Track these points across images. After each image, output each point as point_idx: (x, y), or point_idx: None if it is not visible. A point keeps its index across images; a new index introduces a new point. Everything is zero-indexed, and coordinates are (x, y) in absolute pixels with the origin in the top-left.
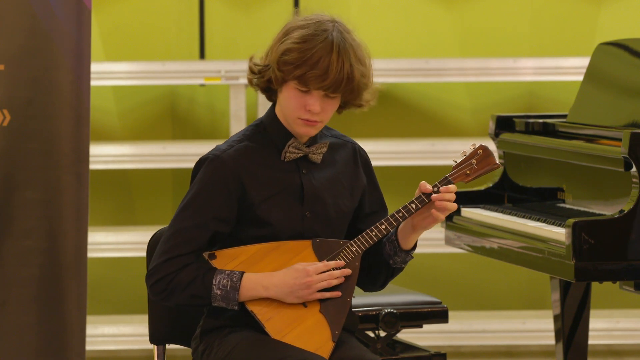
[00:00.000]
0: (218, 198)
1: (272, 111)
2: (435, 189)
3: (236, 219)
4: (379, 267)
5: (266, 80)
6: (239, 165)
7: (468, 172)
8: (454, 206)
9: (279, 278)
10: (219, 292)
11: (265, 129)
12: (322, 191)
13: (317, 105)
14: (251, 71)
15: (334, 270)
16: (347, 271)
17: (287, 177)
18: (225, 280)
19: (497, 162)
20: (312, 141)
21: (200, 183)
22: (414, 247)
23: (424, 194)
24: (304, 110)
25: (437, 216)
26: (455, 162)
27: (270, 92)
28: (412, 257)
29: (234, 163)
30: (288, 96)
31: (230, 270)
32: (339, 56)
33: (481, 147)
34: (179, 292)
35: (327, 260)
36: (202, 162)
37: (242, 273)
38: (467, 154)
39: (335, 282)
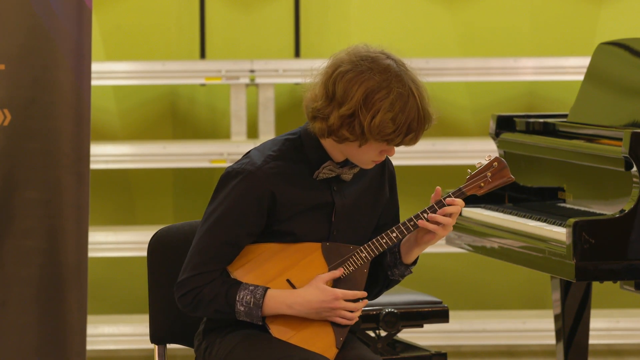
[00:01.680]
0: (250, 215)
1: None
2: (448, 199)
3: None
4: (376, 276)
5: (342, 137)
6: (273, 183)
7: (482, 184)
8: (449, 221)
9: (304, 297)
10: (242, 309)
11: (301, 145)
12: (351, 209)
13: (394, 152)
14: (315, 117)
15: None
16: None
17: (319, 195)
18: (248, 297)
19: (511, 175)
20: (345, 162)
21: (234, 199)
22: (415, 262)
23: (436, 202)
24: (379, 155)
25: (436, 230)
26: (470, 172)
27: (336, 137)
28: (411, 272)
29: (268, 181)
30: (369, 149)
31: (254, 286)
32: (425, 114)
33: (496, 159)
34: (203, 306)
35: (336, 265)
36: (234, 175)
37: (266, 290)
38: (482, 166)
39: (358, 314)
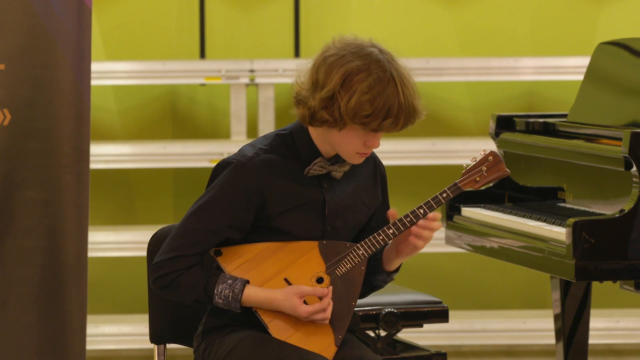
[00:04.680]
0: (236, 206)
1: (303, 125)
2: (445, 194)
3: (251, 227)
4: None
5: (321, 120)
6: (262, 176)
7: (478, 178)
8: (429, 235)
9: (277, 304)
10: (220, 301)
11: (293, 141)
12: (343, 207)
13: (379, 142)
14: (299, 102)
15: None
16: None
17: (309, 192)
18: (227, 291)
19: (507, 169)
20: (336, 158)
21: (221, 188)
22: (397, 269)
23: (432, 199)
24: (364, 147)
25: (416, 244)
26: (466, 167)
27: (315, 121)
28: (393, 279)
29: (258, 173)
30: (349, 135)
31: (233, 278)
32: (407, 102)
33: (491, 153)
34: (181, 294)
35: (333, 263)
36: (225, 166)
37: (244, 285)
38: (477, 160)
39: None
